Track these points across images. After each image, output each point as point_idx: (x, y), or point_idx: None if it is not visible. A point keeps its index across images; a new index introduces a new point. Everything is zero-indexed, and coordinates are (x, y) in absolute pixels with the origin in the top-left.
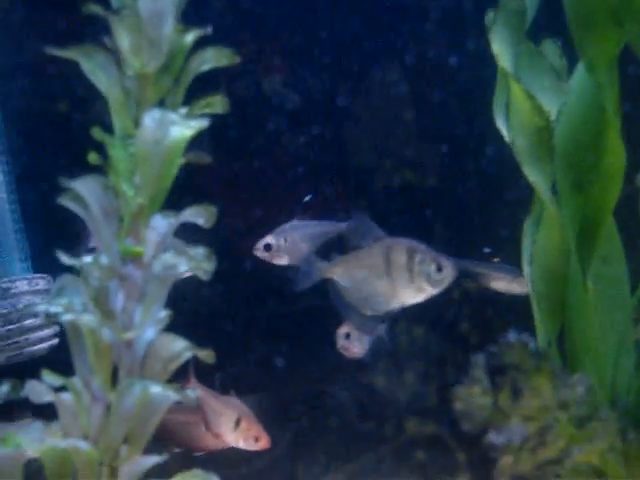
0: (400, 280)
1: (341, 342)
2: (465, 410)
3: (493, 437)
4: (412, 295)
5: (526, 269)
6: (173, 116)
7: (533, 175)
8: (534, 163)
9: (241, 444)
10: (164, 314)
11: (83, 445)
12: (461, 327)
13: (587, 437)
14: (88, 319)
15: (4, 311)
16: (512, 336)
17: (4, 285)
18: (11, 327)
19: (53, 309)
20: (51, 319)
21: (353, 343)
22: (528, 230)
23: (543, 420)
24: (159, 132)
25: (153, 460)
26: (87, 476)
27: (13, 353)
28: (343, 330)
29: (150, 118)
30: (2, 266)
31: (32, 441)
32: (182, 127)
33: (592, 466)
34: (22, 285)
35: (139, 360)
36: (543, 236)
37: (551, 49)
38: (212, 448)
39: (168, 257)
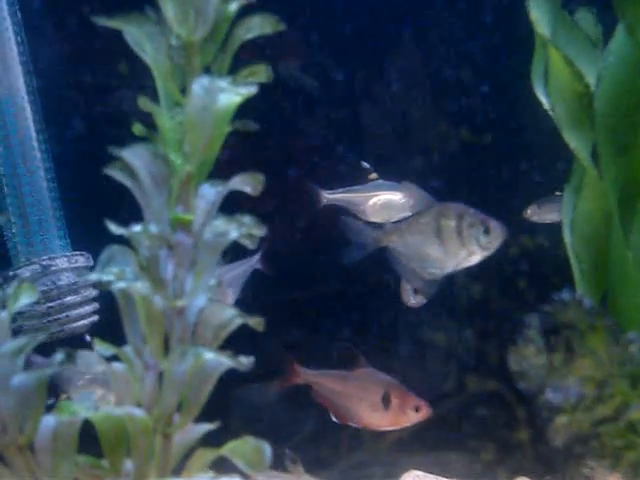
0: (451, 244)
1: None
2: (520, 370)
3: (549, 396)
4: (464, 258)
5: (567, 236)
6: (222, 83)
7: (573, 141)
8: (574, 129)
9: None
10: (214, 282)
11: (137, 412)
12: (519, 284)
13: None
14: (140, 287)
15: (45, 288)
16: (566, 294)
17: (44, 262)
18: (52, 304)
19: (105, 277)
20: (103, 287)
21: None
22: (568, 197)
23: (598, 379)
24: (208, 99)
25: (206, 428)
26: (141, 444)
27: (55, 330)
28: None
29: (199, 85)
30: (42, 244)
31: (87, 409)
32: (231, 94)
33: None
34: (62, 262)
35: (190, 328)
36: (584, 202)
37: (586, 17)
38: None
39: (219, 224)
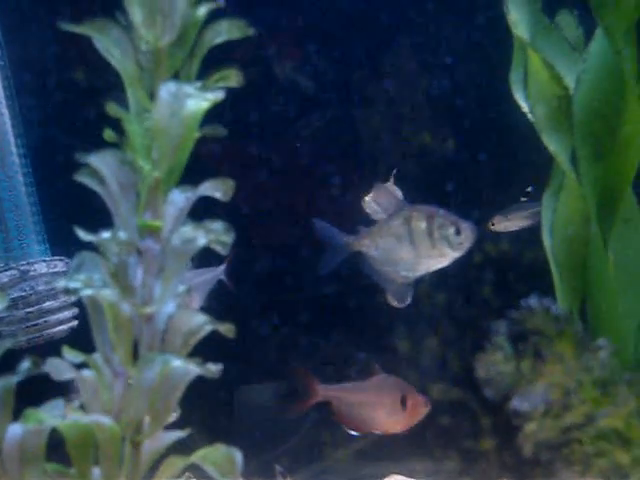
0: (422, 246)
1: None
2: (487, 377)
3: (517, 403)
4: (436, 260)
5: (546, 239)
6: (189, 88)
7: (552, 144)
8: (553, 132)
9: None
10: (183, 288)
11: (105, 420)
12: (483, 291)
13: (611, 401)
14: (107, 294)
15: (23, 294)
16: (533, 301)
17: (23, 268)
18: (30, 309)
19: (72, 285)
20: (71, 295)
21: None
22: (548, 201)
23: (567, 385)
24: (175, 105)
25: (175, 435)
26: (110, 451)
27: (33, 335)
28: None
29: (166, 91)
30: (20, 249)
31: (55, 417)
32: (198, 99)
33: (616, 430)
34: (40, 267)
35: (159, 335)
36: (563, 206)
37: (567, 19)
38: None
39: (186, 230)
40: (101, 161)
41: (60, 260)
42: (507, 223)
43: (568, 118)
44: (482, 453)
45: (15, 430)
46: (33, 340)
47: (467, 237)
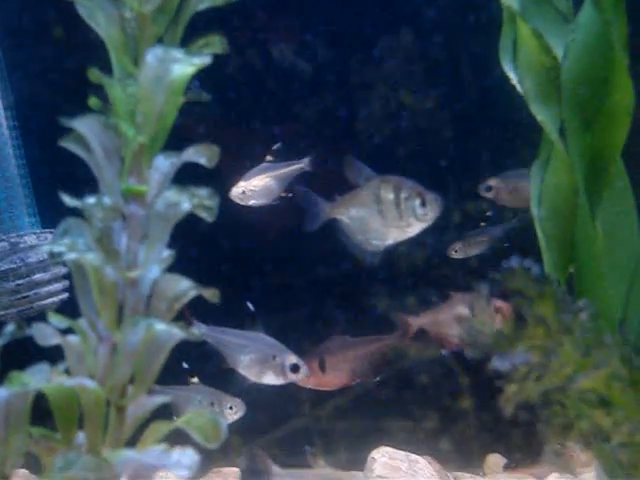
0: (390, 216)
1: None
2: (468, 338)
3: (497, 363)
4: (402, 230)
5: (534, 211)
6: (176, 53)
7: (541, 114)
8: (542, 102)
9: None
10: (167, 253)
11: (89, 384)
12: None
13: (592, 364)
14: (92, 257)
15: (13, 266)
16: (514, 262)
17: (13, 240)
18: (20, 282)
19: (57, 249)
20: (55, 259)
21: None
22: (536, 172)
23: (547, 347)
24: (161, 69)
25: (159, 400)
26: (94, 415)
27: (23, 307)
28: None
29: (152, 55)
30: (11, 221)
31: (39, 380)
32: (184, 64)
33: (597, 393)
34: (30, 240)
35: (144, 300)
36: (551, 176)
37: None
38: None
39: (171, 195)
40: (85, 125)
41: (50, 232)
42: (468, 249)
43: (557, 88)
44: (461, 413)
45: (0, 393)
46: (23, 312)
47: (432, 208)
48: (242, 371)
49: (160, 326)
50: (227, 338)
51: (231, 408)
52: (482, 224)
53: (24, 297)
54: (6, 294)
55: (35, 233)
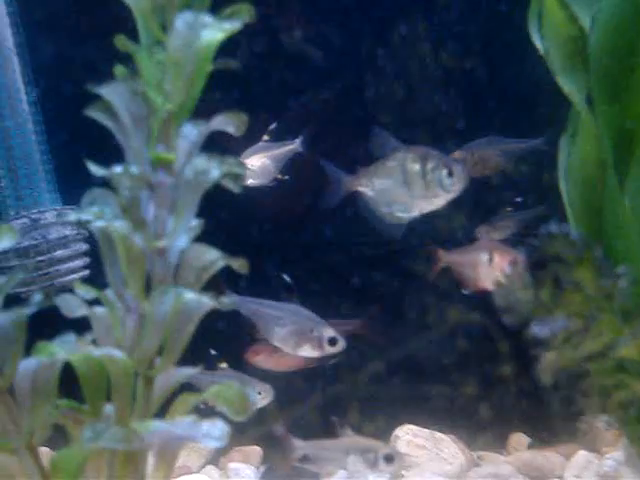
0: (416, 187)
1: None
2: (506, 304)
3: (535, 330)
4: (429, 201)
5: (562, 183)
6: (206, 18)
7: (568, 85)
8: (569, 73)
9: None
10: (196, 222)
11: (117, 354)
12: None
13: (631, 330)
14: (119, 225)
15: (34, 242)
16: (553, 227)
17: (33, 216)
18: (41, 258)
19: (84, 217)
20: (83, 226)
21: None
22: (563, 145)
23: (586, 313)
24: (190, 35)
25: (189, 372)
26: (122, 386)
27: (44, 284)
28: None
29: (182, 21)
30: (31, 197)
31: (67, 350)
32: (214, 30)
33: (636, 362)
34: (51, 216)
35: (172, 269)
36: (578, 148)
37: None
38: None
39: (199, 162)
40: (113, 92)
41: (71, 209)
42: (493, 233)
43: (584, 59)
44: (500, 379)
45: (28, 363)
46: (44, 289)
47: (459, 179)
48: (277, 343)
49: (189, 295)
50: (262, 309)
51: (260, 393)
52: (508, 209)
53: (45, 274)
54: (27, 271)
55: (55, 209)
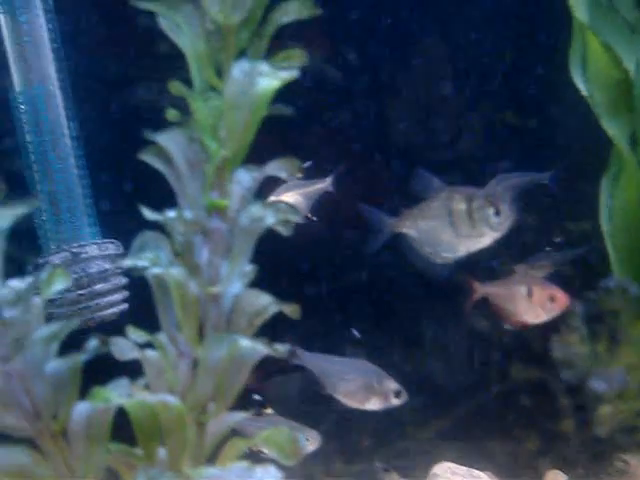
0: (462, 227)
1: None
2: (564, 358)
3: (593, 385)
4: (475, 240)
5: (604, 224)
6: (263, 67)
7: (612, 128)
8: (613, 116)
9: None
10: (250, 268)
11: (171, 400)
12: (566, 271)
13: None
14: (176, 272)
15: (75, 276)
16: (611, 282)
17: (75, 250)
18: (82, 292)
19: (140, 263)
20: (137, 273)
21: None
22: (606, 186)
23: None
24: (247, 83)
25: (240, 416)
26: (175, 431)
27: (85, 318)
28: None
29: (239, 69)
30: (72, 231)
31: (121, 396)
32: (271, 78)
33: None
34: (92, 250)
35: (225, 315)
36: (622, 190)
37: (624, 1)
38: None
39: (255, 209)
40: (170, 139)
41: (111, 242)
42: (531, 272)
43: (628, 101)
44: (561, 434)
45: (82, 408)
46: (84, 322)
47: (506, 217)
48: (343, 398)
49: (245, 342)
50: (326, 364)
51: (307, 440)
52: (547, 248)
53: (85, 307)
54: (68, 304)
55: (96, 243)
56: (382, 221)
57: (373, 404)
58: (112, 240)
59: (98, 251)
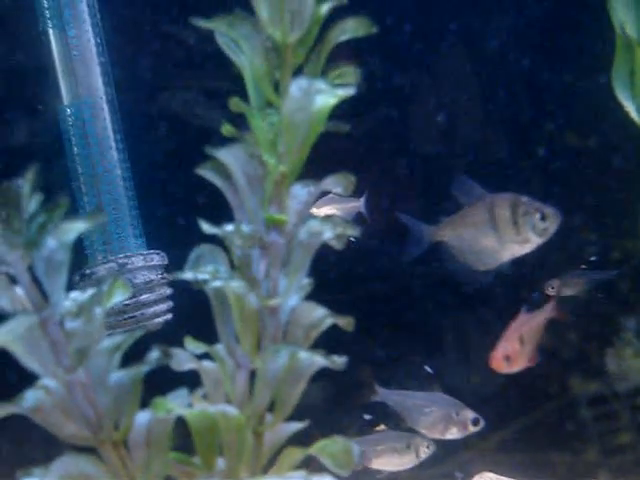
0: (506, 233)
1: None
2: (618, 371)
3: None
4: (520, 247)
5: None
6: (321, 84)
7: None
8: None
9: None
10: (306, 281)
11: (231, 410)
12: (621, 287)
13: None
14: (235, 286)
15: None
16: None
17: (120, 261)
18: (128, 302)
19: (201, 276)
20: (197, 286)
21: None
22: None
23: None
24: (304, 100)
25: (296, 426)
26: (233, 442)
27: (130, 328)
28: None
29: (297, 86)
30: (119, 242)
31: (182, 407)
32: (328, 95)
33: None
34: (137, 261)
35: (282, 327)
36: None
37: None
38: None
39: (314, 224)
40: (230, 155)
41: (156, 254)
42: (564, 289)
43: None
44: (620, 447)
45: (143, 418)
46: (129, 332)
47: (552, 222)
48: (424, 430)
49: (303, 354)
50: (405, 399)
51: (428, 447)
52: (582, 266)
53: (131, 317)
54: (114, 314)
55: (142, 254)
56: (421, 230)
57: (453, 434)
58: (157, 251)
59: (143, 262)
